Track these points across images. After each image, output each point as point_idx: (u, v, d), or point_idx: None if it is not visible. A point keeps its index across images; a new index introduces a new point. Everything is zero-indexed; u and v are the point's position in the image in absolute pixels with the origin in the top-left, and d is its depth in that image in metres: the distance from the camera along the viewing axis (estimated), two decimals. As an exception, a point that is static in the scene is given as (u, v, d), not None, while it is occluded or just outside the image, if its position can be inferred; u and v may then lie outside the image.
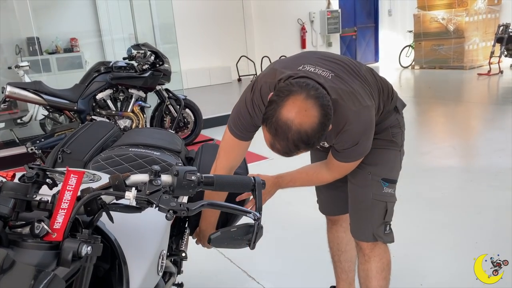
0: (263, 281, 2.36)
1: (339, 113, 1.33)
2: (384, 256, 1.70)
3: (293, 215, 3.15)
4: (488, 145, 4.52)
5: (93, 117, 4.54)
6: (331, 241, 1.98)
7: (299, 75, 1.32)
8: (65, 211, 0.75)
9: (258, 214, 0.90)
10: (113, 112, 4.67)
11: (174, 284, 1.87)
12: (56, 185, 0.83)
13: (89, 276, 0.79)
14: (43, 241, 0.73)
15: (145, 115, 4.96)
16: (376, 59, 13.79)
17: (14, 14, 6.97)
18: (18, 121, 5.65)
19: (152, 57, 4.75)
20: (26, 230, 0.76)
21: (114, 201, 0.85)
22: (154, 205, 0.81)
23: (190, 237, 1.80)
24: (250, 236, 0.92)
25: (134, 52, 4.86)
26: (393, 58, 12.26)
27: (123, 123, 4.67)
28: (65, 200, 0.76)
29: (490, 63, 9.57)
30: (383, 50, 13.63)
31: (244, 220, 1.00)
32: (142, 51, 4.77)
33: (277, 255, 2.60)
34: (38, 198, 0.79)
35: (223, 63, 10.13)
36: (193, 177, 0.86)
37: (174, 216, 0.80)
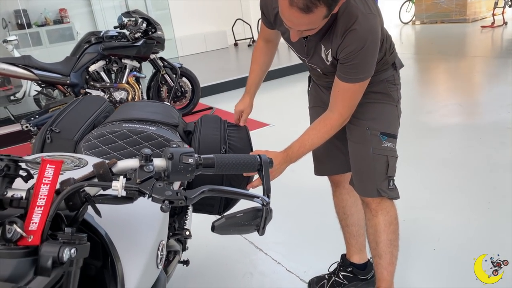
0: (270, 252, 2.30)
1: (349, 11, 1.33)
2: (391, 210, 1.68)
3: (297, 183, 3.05)
4: (495, 101, 4.38)
5: (87, 90, 4.39)
6: (337, 205, 1.95)
7: None
8: (42, 208, 0.63)
9: (266, 199, 0.80)
10: (108, 84, 4.51)
11: (180, 262, 1.80)
12: (32, 177, 0.72)
13: (76, 281, 0.67)
14: (16, 246, 0.62)
15: (141, 86, 4.79)
16: (376, 16, 13.40)
17: (-3, -14, 6.69)
18: (12, 98, 5.51)
19: (144, 25, 4.55)
20: (-3, 233, 0.65)
21: (101, 192, 0.74)
22: (147, 195, 0.70)
23: (194, 213, 1.72)
24: (258, 221, 0.82)
25: (125, 20, 4.63)
26: (393, 14, 11.88)
27: (118, 95, 4.52)
28: (41, 195, 0.64)
29: (493, 15, 9.29)
30: (383, 6, 13.18)
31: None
32: (133, 19, 4.56)
33: (283, 225, 2.53)
34: (10, 194, 0.68)
35: (218, 28, 9.83)
36: (190, 160, 0.74)
37: (171, 206, 0.69)
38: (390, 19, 12.29)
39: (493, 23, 9.14)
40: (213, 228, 0.81)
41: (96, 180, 0.71)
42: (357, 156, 1.66)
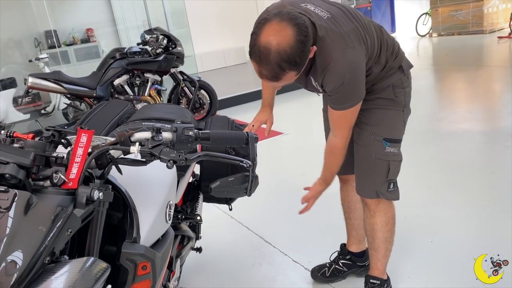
0: (278, 245, 2.48)
1: (325, 51, 1.38)
2: (389, 211, 1.79)
3: (307, 185, 3.24)
4: (504, 108, 4.48)
5: (112, 103, 4.69)
6: (342, 199, 2.08)
7: (296, 11, 1.38)
8: (78, 164, 0.86)
9: (250, 162, 1.00)
10: (131, 96, 4.81)
11: (193, 249, 2.01)
12: (71, 145, 0.94)
13: (103, 218, 0.90)
14: (61, 188, 0.85)
15: (162, 98, 5.09)
16: (393, 30, 13.51)
17: (31, 9, 7.17)
18: (42, 111, 5.88)
19: (165, 41, 4.86)
20: (47, 183, 0.88)
21: (122, 156, 0.96)
22: (157, 157, 0.91)
23: (205, 203, 1.92)
24: (246, 184, 1.02)
25: (147, 37, 4.97)
26: (410, 27, 12.01)
27: (141, 106, 4.82)
28: (77, 155, 0.87)
29: (510, 25, 9.30)
30: (400, 19, 13.34)
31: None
32: (155, 35, 4.88)
33: (292, 222, 2.71)
34: (54, 155, 0.91)
35: (237, 44, 10.14)
36: (190, 133, 0.95)
37: (174, 165, 0.90)
38: (407, 32, 12.45)
39: (510, 33, 9.17)
40: (210, 190, 1.02)
41: (118, 145, 0.94)
42: (360, 158, 1.74)
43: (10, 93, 5.78)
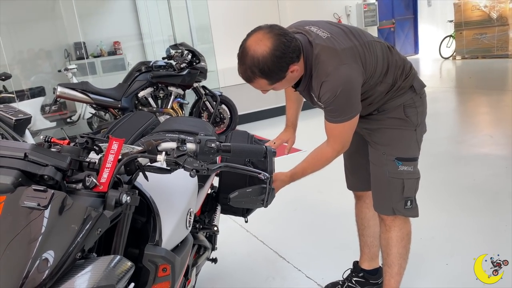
0: (292, 260, 2.50)
1: (320, 66, 1.49)
2: (404, 227, 1.81)
3: (323, 202, 3.27)
4: (528, 133, 4.43)
5: (136, 114, 4.83)
6: (357, 216, 2.11)
7: (297, 32, 1.51)
8: (109, 169, 0.93)
9: (267, 175, 1.05)
10: (154, 109, 4.94)
11: (209, 259, 2.05)
12: (102, 152, 1.01)
13: (129, 221, 0.97)
14: (92, 191, 0.92)
15: (183, 112, 5.21)
16: (416, 51, 13.52)
17: (62, 21, 7.46)
18: (68, 120, 6.08)
19: (189, 56, 4.99)
20: (79, 185, 0.95)
21: (149, 163, 1.03)
22: (181, 166, 0.98)
23: (222, 215, 1.97)
24: (263, 196, 1.07)
25: (173, 51, 5.12)
26: (433, 49, 11.98)
27: (163, 119, 4.93)
28: (108, 161, 0.94)
29: (536, 51, 9.20)
30: (423, 41, 13.34)
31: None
32: (180, 51, 5.03)
33: (307, 238, 2.73)
34: (88, 160, 0.98)
35: (259, 61, 10.27)
36: (212, 145, 1.02)
37: (196, 174, 0.96)
38: (430, 54, 12.41)
39: (535, 59, 9.07)
40: (229, 200, 1.07)
41: (146, 154, 1.00)
42: (375, 177, 1.79)
43: (39, 101, 6.00)
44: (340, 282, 2.16)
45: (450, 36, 11.43)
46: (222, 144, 1.04)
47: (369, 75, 1.56)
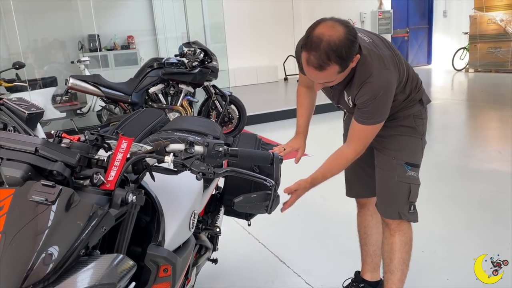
0: (293, 266, 2.50)
1: (365, 67, 1.54)
2: (408, 232, 1.85)
3: (327, 208, 3.26)
4: (538, 151, 4.38)
5: (145, 109, 4.86)
6: (359, 224, 2.12)
7: None
8: (117, 168, 0.94)
9: (273, 182, 1.06)
10: (164, 105, 4.97)
11: (209, 259, 2.06)
12: (111, 149, 1.02)
13: (133, 220, 0.98)
14: (99, 188, 0.93)
15: (193, 110, 5.23)
16: (429, 62, 13.45)
17: (78, 13, 7.52)
18: (78, 111, 6.13)
19: (202, 55, 5.01)
20: (87, 182, 0.96)
21: (156, 164, 1.03)
22: (188, 168, 0.98)
23: (225, 216, 1.98)
24: (268, 202, 1.08)
25: (185, 49, 5.15)
26: (446, 60, 11.91)
27: (172, 116, 4.96)
28: (117, 159, 0.95)
29: (550, 68, 9.11)
30: (437, 52, 13.26)
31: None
32: (192, 49, 5.05)
33: (309, 244, 2.73)
34: (96, 157, 1.00)
35: (271, 62, 10.31)
36: (220, 148, 1.02)
37: (203, 177, 0.97)
38: (443, 65, 12.33)
39: (549, 76, 8.97)
40: (233, 204, 1.08)
41: (154, 154, 1.01)
42: (382, 181, 1.84)
43: (51, 91, 6.05)
44: (340, 291, 2.16)
45: (464, 48, 11.36)
46: (229, 148, 1.05)
47: (398, 83, 1.64)
